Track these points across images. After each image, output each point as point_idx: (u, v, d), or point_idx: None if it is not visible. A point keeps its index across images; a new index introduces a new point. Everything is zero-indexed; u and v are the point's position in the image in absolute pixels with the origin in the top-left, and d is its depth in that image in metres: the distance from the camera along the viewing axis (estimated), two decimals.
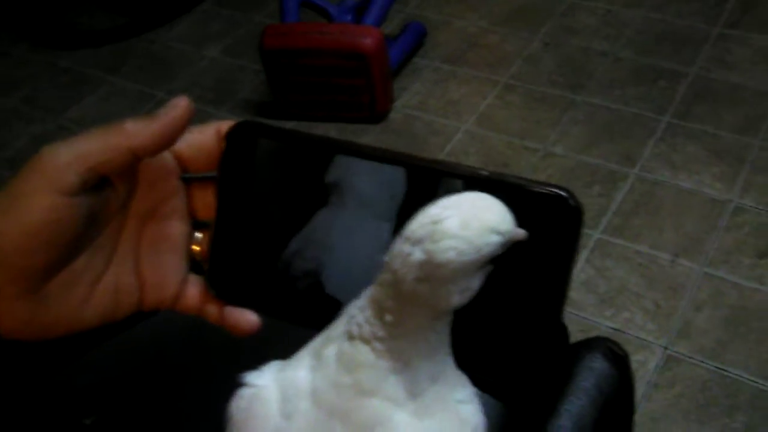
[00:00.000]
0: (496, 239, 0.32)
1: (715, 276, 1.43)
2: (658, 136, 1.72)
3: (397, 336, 0.34)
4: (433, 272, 0.32)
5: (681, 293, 1.40)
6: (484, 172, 0.40)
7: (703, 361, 1.30)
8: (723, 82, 1.83)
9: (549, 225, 0.39)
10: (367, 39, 1.66)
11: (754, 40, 1.93)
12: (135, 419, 0.61)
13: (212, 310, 0.46)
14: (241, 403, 0.38)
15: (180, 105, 0.42)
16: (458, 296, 0.33)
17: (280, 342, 0.57)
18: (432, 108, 1.88)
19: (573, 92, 1.87)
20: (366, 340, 0.35)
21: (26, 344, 0.43)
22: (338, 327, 0.38)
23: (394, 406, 0.35)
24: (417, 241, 0.32)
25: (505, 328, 0.40)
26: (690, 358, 1.31)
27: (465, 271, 0.32)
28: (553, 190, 0.39)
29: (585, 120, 1.79)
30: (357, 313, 0.37)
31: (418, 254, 0.32)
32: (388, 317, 0.34)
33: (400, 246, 0.33)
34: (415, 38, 2.01)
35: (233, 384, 0.43)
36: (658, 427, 1.22)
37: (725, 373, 1.28)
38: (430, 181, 0.41)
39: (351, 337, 0.36)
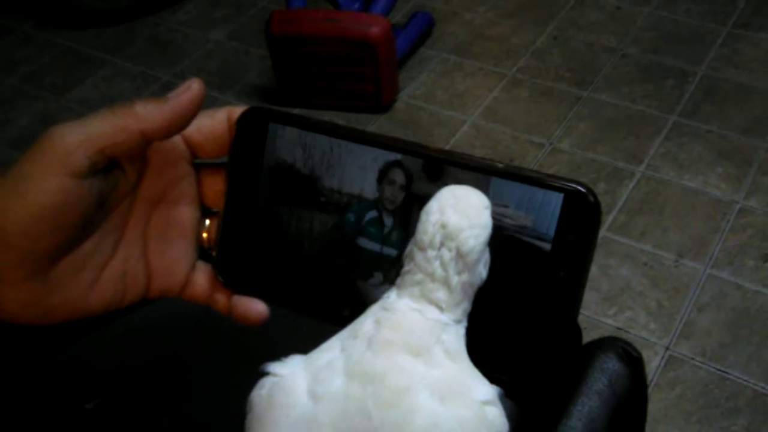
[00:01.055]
0: (488, 212, 0.37)
1: (718, 277, 1.42)
2: (664, 134, 1.71)
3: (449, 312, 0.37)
4: (466, 261, 0.36)
5: (684, 294, 1.40)
6: (500, 165, 0.39)
7: (704, 363, 1.29)
8: (731, 82, 1.82)
9: (566, 221, 0.38)
10: (375, 27, 1.65)
11: (764, 41, 1.92)
12: (137, 404, 0.60)
13: (220, 298, 0.45)
14: (262, 392, 0.36)
15: (193, 88, 0.40)
16: (485, 269, 0.38)
17: (287, 332, 0.56)
18: (438, 99, 1.87)
19: (580, 88, 1.85)
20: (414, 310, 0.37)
21: (29, 328, 0.42)
22: (365, 323, 0.37)
23: (425, 370, 0.35)
24: (440, 245, 0.36)
25: (519, 327, 0.39)
26: (692, 359, 1.30)
27: (483, 247, 0.37)
28: (571, 185, 0.38)
29: (591, 116, 1.78)
30: (394, 301, 0.37)
31: (447, 254, 0.36)
32: (443, 304, 0.37)
33: (425, 254, 0.37)
34: (423, 28, 1.99)
35: (237, 371, 0.42)
36: (658, 428, 1.21)
37: (726, 375, 1.27)
38: (444, 171, 0.40)
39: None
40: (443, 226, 0.36)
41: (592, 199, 0.38)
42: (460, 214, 0.36)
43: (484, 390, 0.36)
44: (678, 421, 1.22)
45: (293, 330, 0.52)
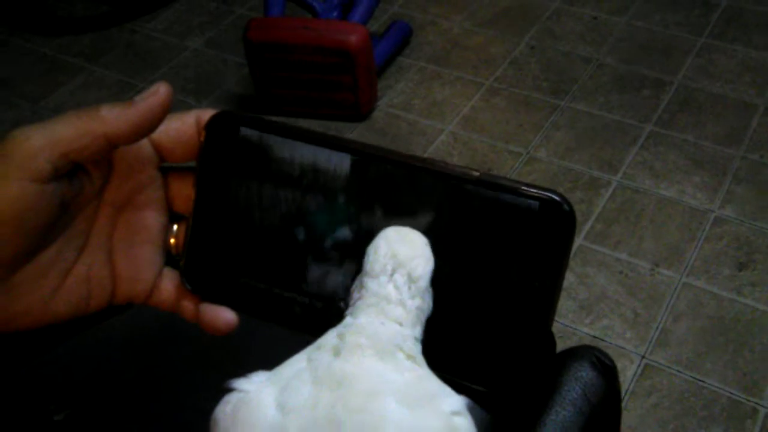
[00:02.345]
0: (428, 247, 0.39)
1: (694, 286, 1.42)
2: (640, 143, 1.72)
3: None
4: (418, 285, 0.38)
5: (660, 302, 1.40)
6: (475, 173, 0.39)
7: (680, 371, 1.30)
8: (706, 92, 1.83)
9: (541, 230, 0.38)
10: (353, 36, 1.65)
11: (738, 51, 1.94)
12: (107, 415, 0.59)
13: (187, 306, 0.44)
14: (227, 408, 0.36)
15: (160, 91, 0.40)
16: (431, 300, 0.39)
17: (259, 341, 0.55)
18: (416, 108, 1.87)
19: (557, 97, 1.86)
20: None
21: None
22: (327, 337, 0.37)
23: (392, 378, 0.35)
24: (392, 272, 0.37)
25: (493, 336, 0.39)
26: (668, 367, 1.30)
27: (429, 278, 0.38)
28: (546, 194, 0.38)
29: (568, 125, 1.79)
30: (352, 322, 0.37)
31: (400, 278, 0.37)
32: (403, 321, 0.37)
33: (378, 281, 0.38)
34: (401, 37, 2.00)
35: (207, 381, 0.41)
36: None
37: (702, 383, 1.28)
38: (418, 179, 0.39)
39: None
40: (393, 256, 0.38)
41: (567, 208, 0.37)
42: (407, 246, 0.38)
43: (452, 400, 0.35)
44: (654, 429, 1.22)
45: (266, 339, 0.51)
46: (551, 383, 0.51)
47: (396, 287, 0.37)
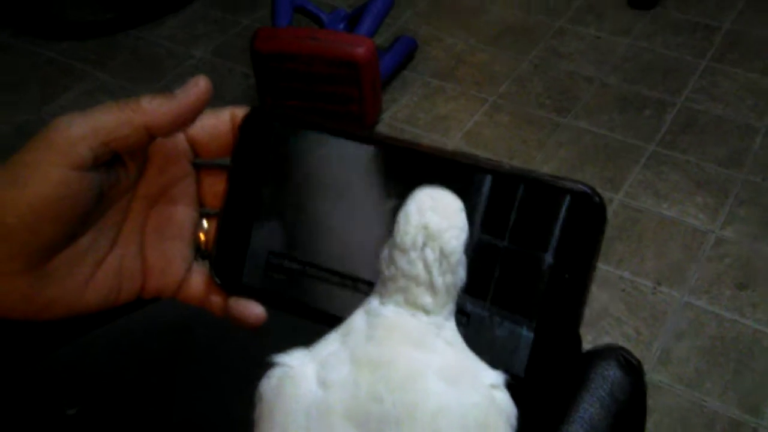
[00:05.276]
0: (464, 214, 0.37)
1: (695, 306, 1.43)
2: (642, 163, 1.73)
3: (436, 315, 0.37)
4: (450, 261, 0.36)
5: (662, 321, 1.40)
6: (506, 165, 0.39)
7: (682, 390, 1.30)
8: (709, 114, 1.84)
9: (571, 221, 0.38)
10: (360, 48, 1.66)
11: (739, 74, 1.95)
12: (119, 411, 0.58)
13: (216, 300, 0.44)
14: (271, 381, 0.36)
15: (199, 84, 0.40)
16: (464, 271, 0.38)
17: (271, 341, 0.55)
18: (420, 122, 1.87)
19: (559, 115, 1.87)
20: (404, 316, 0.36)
21: (18, 327, 0.41)
22: (355, 321, 0.37)
23: (430, 358, 0.35)
24: (422, 246, 0.36)
25: (523, 327, 0.39)
26: (669, 386, 1.30)
27: (463, 249, 0.37)
28: (577, 185, 0.38)
29: (570, 143, 1.79)
30: (377, 306, 0.36)
31: (430, 254, 0.36)
32: (429, 307, 0.36)
33: (408, 255, 0.36)
34: (406, 51, 2.01)
35: (219, 378, 0.41)
36: None
37: (703, 403, 1.28)
38: (449, 171, 0.40)
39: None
40: (425, 227, 0.36)
41: (597, 199, 0.38)
42: (440, 215, 0.36)
43: (490, 374, 0.36)
44: None
45: (279, 339, 0.51)
46: (578, 381, 0.51)
47: (426, 265, 0.36)
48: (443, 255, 0.36)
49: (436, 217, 0.36)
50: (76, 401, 0.58)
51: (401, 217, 0.37)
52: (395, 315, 0.36)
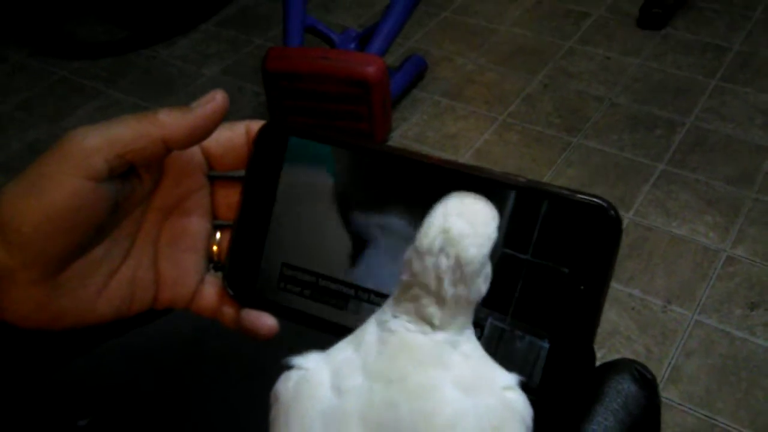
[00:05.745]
0: (495, 224, 0.35)
1: (706, 324, 1.42)
2: (652, 182, 1.73)
3: (445, 329, 0.36)
4: (464, 271, 0.34)
5: (672, 339, 1.40)
6: (522, 179, 0.39)
7: (692, 409, 1.29)
8: (719, 133, 1.85)
9: (587, 234, 0.38)
10: (371, 67, 1.67)
11: (749, 94, 1.96)
12: (130, 422, 0.59)
13: (228, 312, 0.44)
14: (288, 384, 0.36)
15: (216, 98, 0.41)
16: (484, 285, 0.36)
17: (282, 353, 0.55)
18: (430, 140, 1.88)
19: (569, 134, 1.87)
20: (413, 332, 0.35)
21: (31, 337, 0.42)
22: (367, 333, 0.37)
23: (445, 373, 0.34)
24: (438, 251, 0.34)
25: (538, 338, 0.39)
26: (680, 404, 1.30)
27: (485, 260, 0.35)
28: (592, 199, 0.38)
29: (580, 162, 1.80)
30: (389, 319, 0.36)
31: (445, 261, 0.34)
32: (436, 321, 0.35)
33: (422, 260, 0.34)
34: (416, 71, 2.02)
35: (229, 391, 0.41)
36: None
37: (714, 422, 1.27)
38: (465, 185, 0.40)
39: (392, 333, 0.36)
40: (445, 231, 0.34)
41: (613, 213, 0.38)
42: (465, 221, 0.34)
43: (504, 377, 0.36)
44: None
45: (291, 351, 0.51)
46: (592, 394, 0.51)
47: (437, 273, 0.34)
48: (458, 263, 0.34)
49: (461, 221, 0.34)
50: (88, 412, 0.58)
51: (426, 218, 0.35)
52: (405, 332, 0.35)
